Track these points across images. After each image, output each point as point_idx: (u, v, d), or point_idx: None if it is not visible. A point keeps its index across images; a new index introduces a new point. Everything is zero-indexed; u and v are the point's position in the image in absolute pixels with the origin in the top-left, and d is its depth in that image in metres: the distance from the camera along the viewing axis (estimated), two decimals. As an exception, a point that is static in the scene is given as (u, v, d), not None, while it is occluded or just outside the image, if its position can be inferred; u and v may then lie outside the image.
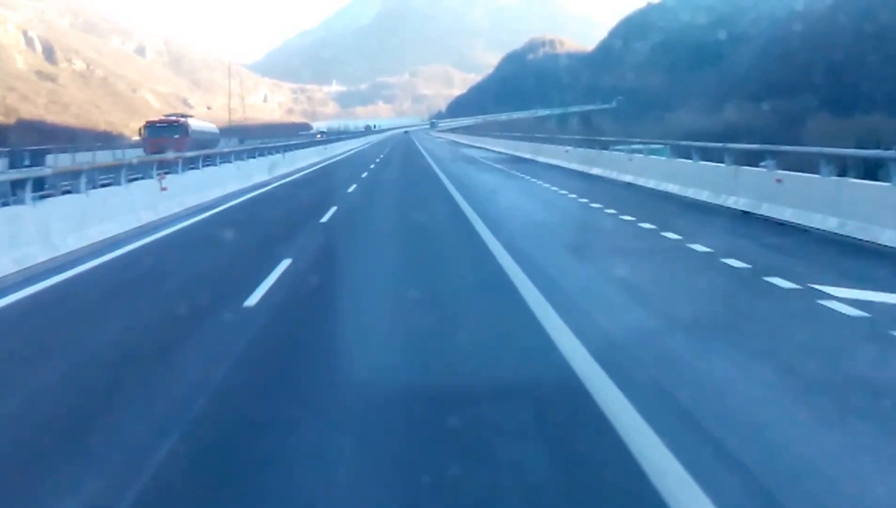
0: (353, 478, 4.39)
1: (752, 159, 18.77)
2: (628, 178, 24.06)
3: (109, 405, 5.76)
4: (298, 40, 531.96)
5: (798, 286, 8.87)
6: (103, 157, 33.82)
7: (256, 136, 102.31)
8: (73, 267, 11.36)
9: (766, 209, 15.11)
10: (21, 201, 12.38)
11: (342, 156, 57.11)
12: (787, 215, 14.34)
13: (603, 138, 30.99)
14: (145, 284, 10.49)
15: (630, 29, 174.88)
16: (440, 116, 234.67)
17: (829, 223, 12.89)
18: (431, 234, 14.70)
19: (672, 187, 20.27)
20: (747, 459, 4.41)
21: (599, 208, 17.60)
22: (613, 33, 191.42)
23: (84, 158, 33.47)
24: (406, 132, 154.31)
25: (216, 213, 18.58)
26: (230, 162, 26.39)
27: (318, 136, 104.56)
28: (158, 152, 27.20)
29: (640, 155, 23.75)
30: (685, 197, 18.96)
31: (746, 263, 10.35)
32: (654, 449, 4.52)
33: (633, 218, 15.39)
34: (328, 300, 9.11)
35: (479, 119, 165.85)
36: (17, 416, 5.62)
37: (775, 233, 13.48)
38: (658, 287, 9.42)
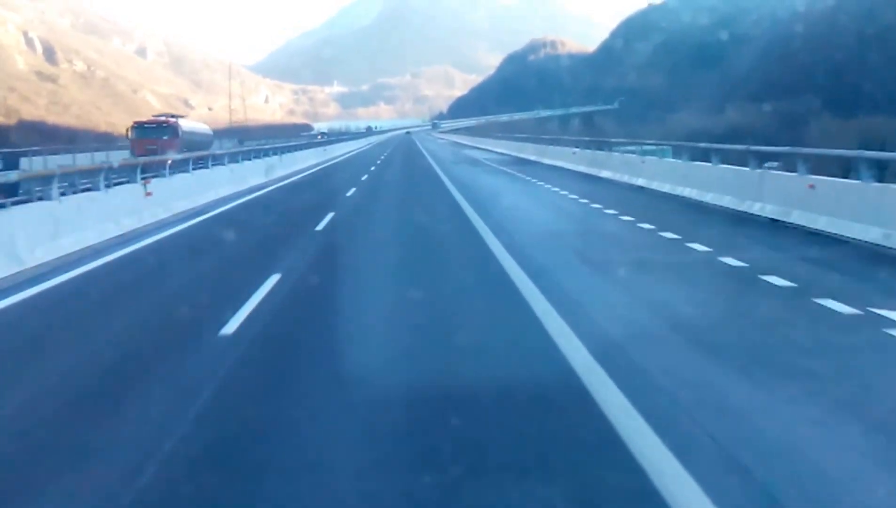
0: None
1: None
2: (640, 181, 22.91)
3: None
4: (300, 41, 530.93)
5: (857, 311, 7.71)
6: (82, 160, 32.49)
7: (257, 137, 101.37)
8: (37, 283, 10.21)
9: (797, 217, 13.95)
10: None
11: (342, 158, 55.94)
12: (820, 223, 13.19)
13: (613, 140, 29.75)
14: (111, 305, 9.31)
15: (631, 29, 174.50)
16: (441, 116, 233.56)
17: (872, 234, 11.72)
18: (434, 244, 13.54)
19: (689, 192, 19.12)
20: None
21: (614, 214, 16.44)
22: (615, 34, 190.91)
23: (65, 161, 32.33)
24: (408, 133, 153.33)
25: (205, 219, 17.43)
26: (223, 165, 25.21)
27: (319, 137, 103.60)
28: (146, 155, 26.01)
29: (654, 158, 22.57)
30: (704, 202, 17.80)
31: (790, 280, 9.20)
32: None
33: (653, 226, 14.24)
34: (319, 326, 7.97)
35: (481, 120, 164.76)
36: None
37: (812, 244, 12.31)
38: (697, 312, 8.23)
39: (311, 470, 4.49)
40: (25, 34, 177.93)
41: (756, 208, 15.49)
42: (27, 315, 8.85)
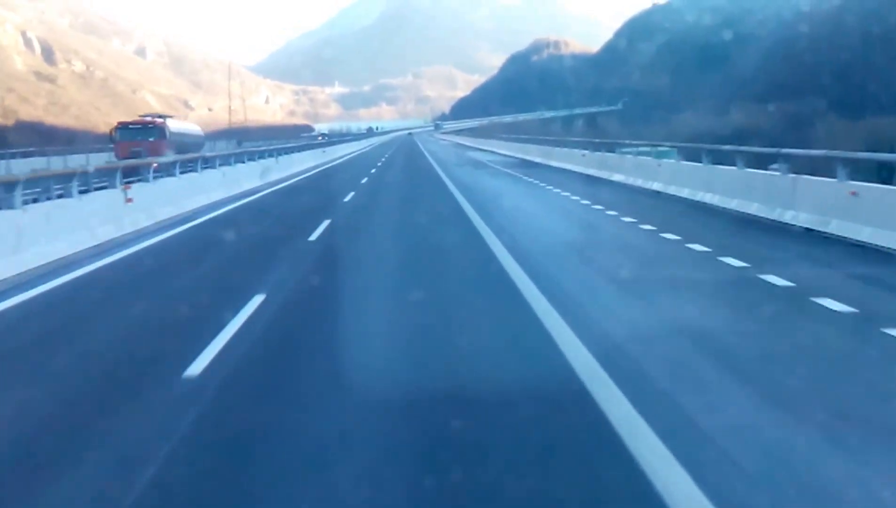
0: None
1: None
2: (656, 186, 21.63)
3: None
4: (300, 41, 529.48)
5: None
6: (78, 161, 31.19)
7: (257, 138, 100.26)
8: (-14, 306, 8.96)
9: (836, 227, 12.68)
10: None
11: (342, 159, 54.57)
12: (864, 235, 11.93)
13: (625, 142, 28.42)
14: (60, 335, 8.00)
15: (635, 30, 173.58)
16: (443, 117, 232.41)
17: (929, 248, 10.47)
18: (438, 256, 12.24)
19: (711, 198, 17.84)
20: None
21: (632, 222, 15.16)
22: (618, 34, 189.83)
23: (56, 164, 31.10)
24: (410, 134, 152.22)
25: (190, 228, 16.16)
26: (214, 168, 23.92)
27: (320, 138, 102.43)
28: (131, 158, 24.67)
29: (671, 161, 21.27)
30: (729, 209, 16.52)
31: (849, 305, 7.94)
32: None
33: (678, 237, 12.97)
34: (304, 363, 6.70)
35: (483, 121, 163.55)
36: None
37: (859, 259, 11.06)
38: (751, 348, 6.94)
39: None
40: (24, 34, 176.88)
41: (788, 217, 14.23)
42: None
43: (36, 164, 32.30)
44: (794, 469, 4.37)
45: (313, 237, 14.02)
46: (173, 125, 37.93)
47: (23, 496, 4.33)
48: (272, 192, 25.38)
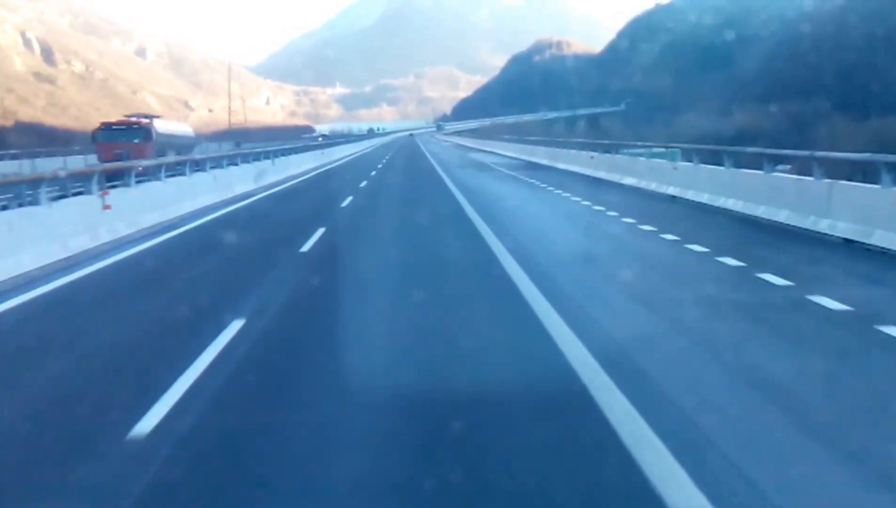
0: None
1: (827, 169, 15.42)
2: (672, 190, 20.41)
3: None
4: (301, 42, 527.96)
5: None
6: (73, 162, 29.94)
7: (257, 139, 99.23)
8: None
9: (881, 239, 11.48)
10: None
11: (341, 161, 53.30)
12: (916, 247, 10.75)
13: (639, 144, 27.18)
14: (9, 369, 6.82)
15: (637, 30, 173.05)
16: (445, 118, 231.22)
17: None
18: (442, 272, 10.99)
19: (734, 204, 16.61)
20: None
21: (653, 231, 13.94)
22: (621, 35, 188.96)
23: (26, 167, 29.88)
24: (411, 135, 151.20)
25: (173, 237, 14.92)
26: (205, 170, 22.67)
27: (320, 139, 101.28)
28: (114, 161, 23.37)
29: (690, 164, 20.03)
30: (754, 217, 15.31)
31: (924, 336, 6.74)
32: None
33: (706, 249, 11.76)
34: (286, 411, 5.50)
35: (485, 122, 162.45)
36: None
37: (916, 276, 9.85)
38: (828, 399, 5.71)
39: None
40: (23, 34, 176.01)
41: (824, 226, 13.02)
42: None
43: (23, 166, 31.10)
44: None
45: (305, 248, 12.80)
46: (161, 126, 36.30)
47: None
48: (266, 196, 24.14)
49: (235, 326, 7.64)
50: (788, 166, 18.75)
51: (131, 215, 15.37)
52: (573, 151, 33.97)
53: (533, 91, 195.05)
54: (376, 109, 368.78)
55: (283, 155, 35.79)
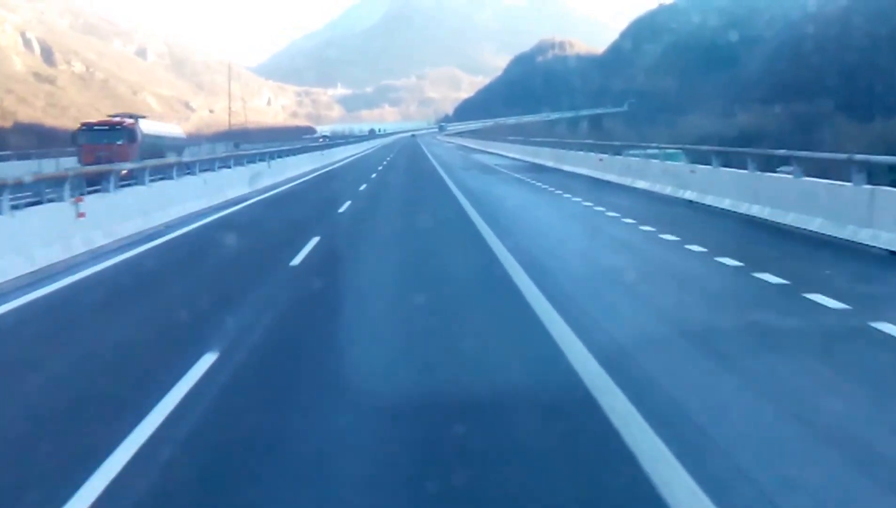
0: None
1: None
2: (689, 194, 19.23)
3: None
4: (303, 42, 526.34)
5: None
6: (21, 168, 28.64)
7: (258, 140, 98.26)
8: None
9: (936, 252, 10.30)
10: None
11: (341, 163, 52.06)
12: (976, 262, 9.56)
13: (653, 145, 25.94)
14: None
15: (640, 31, 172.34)
16: (447, 119, 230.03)
17: None
18: (449, 292, 9.79)
19: (759, 210, 15.43)
20: None
21: (676, 241, 12.76)
22: (624, 35, 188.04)
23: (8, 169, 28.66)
24: (413, 136, 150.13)
25: (153, 247, 13.72)
26: (195, 174, 21.46)
27: (321, 140, 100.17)
28: (96, 163, 22.09)
29: (709, 167, 18.82)
30: (784, 225, 14.13)
31: None
32: None
33: (739, 263, 10.58)
34: (259, 474, 4.33)
35: (488, 123, 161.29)
36: None
37: None
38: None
39: None
40: (23, 35, 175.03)
41: (865, 237, 11.84)
42: None
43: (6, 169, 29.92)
44: None
45: (296, 261, 11.61)
46: (147, 126, 34.42)
47: None
48: (260, 201, 22.92)
49: (205, 362, 6.50)
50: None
51: (110, 224, 14.20)
52: (580, 153, 32.72)
53: (535, 92, 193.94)
54: (378, 109, 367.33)
55: (280, 157, 34.52)
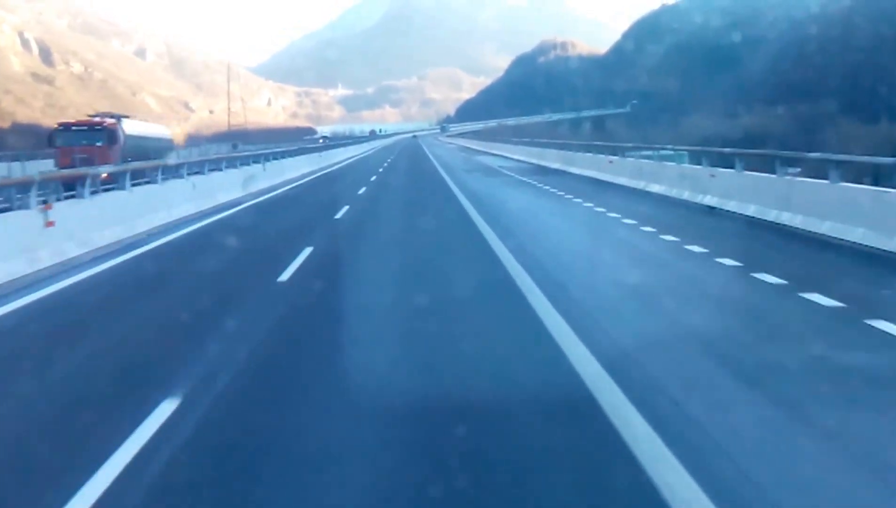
0: None
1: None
2: (709, 200, 18.02)
3: None
4: (303, 42, 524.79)
5: None
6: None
7: (257, 141, 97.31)
8: None
9: None
10: None
11: (341, 165, 50.83)
12: None
13: (667, 147, 24.69)
14: None
15: (643, 31, 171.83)
16: (449, 120, 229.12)
17: None
18: (457, 316, 8.57)
19: (790, 218, 14.22)
20: None
21: (705, 254, 11.56)
22: (626, 36, 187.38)
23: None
24: (414, 137, 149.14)
25: (130, 259, 12.52)
26: (183, 177, 20.24)
27: (321, 141, 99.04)
28: (73, 166, 20.81)
29: (731, 171, 17.61)
30: (819, 235, 12.92)
31: None
32: None
33: (782, 280, 9.40)
34: None
35: (490, 123, 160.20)
36: None
37: None
38: None
39: None
40: (21, 35, 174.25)
41: (917, 249, 10.65)
42: None
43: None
44: None
45: (284, 277, 10.39)
46: (130, 127, 32.64)
47: None
48: (252, 205, 21.69)
49: (164, 411, 5.32)
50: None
51: (84, 233, 13.01)
52: (588, 155, 31.46)
53: (537, 92, 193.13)
54: (379, 110, 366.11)
55: (276, 159, 33.26)
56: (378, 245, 14.22)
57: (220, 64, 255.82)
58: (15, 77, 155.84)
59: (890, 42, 71.06)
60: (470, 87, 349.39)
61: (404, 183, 31.89)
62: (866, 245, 11.66)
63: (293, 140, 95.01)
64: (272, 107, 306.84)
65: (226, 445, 4.95)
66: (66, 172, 16.53)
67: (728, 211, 16.73)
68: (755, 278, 9.70)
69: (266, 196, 24.66)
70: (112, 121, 31.11)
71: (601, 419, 5.10)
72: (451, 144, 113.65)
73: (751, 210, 15.83)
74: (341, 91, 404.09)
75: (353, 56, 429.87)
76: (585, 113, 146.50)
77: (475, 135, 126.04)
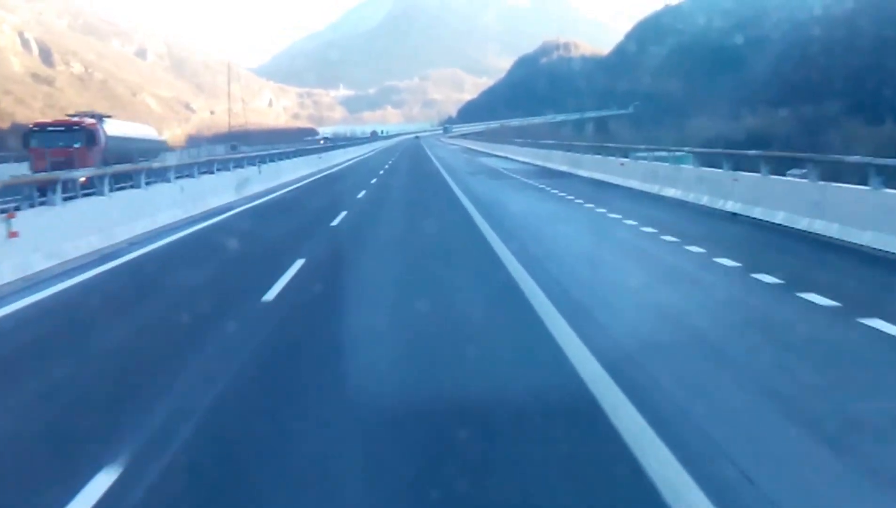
0: None
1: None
2: (731, 206, 16.87)
3: None
4: (304, 43, 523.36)
5: None
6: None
7: (258, 142, 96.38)
8: None
9: None
10: None
11: (341, 166, 49.61)
12: None
13: (684, 149, 23.48)
14: None
15: (646, 32, 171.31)
16: (451, 121, 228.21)
17: None
18: (464, 344, 7.37)
19: (824, 227, 13.08)
20: None
21: (738, 268, 10.41)
22: (629, 37, 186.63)
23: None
24: (416, 138, 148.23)
25: (104, 272, 11.37)
26: (170, 181, 19.06)
27: (322, 142, 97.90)
28: (51, 169, 19.57)
29: (756, 175, 16.43)
30: (859, 246, 11.83)
31: None
32: None
33: (834, 301, 8.26)
34: None
35: (492, 124, 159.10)
36: None
37: None
38: None
39: None
40: (21, 35, 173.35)
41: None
42: None
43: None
44: None
45: (270, 296, 9.20)
46: (112, 127, 30.69)
47: None
48: (245, 210, 20.51)
49: (98, 487, 4.18)
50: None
51: (54, 243, 11.86)
52: (598, 157, 30.22)
53: (539, 93, 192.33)
54: (380, 111, 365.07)
55: (273, 160, 32.03)
56: (376, 257, 13.00)
57: (221, 64, 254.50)
58: (15, 77, 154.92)
59: (894, 44, 70.11)
60: (472, 87, 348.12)
61: (406, 186, 30.72)
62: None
63: (294, 141, 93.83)
64: (273, 108, 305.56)
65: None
66: (38, 176, 15.32)
67: (754, 218, 15.57)
68: (801, 298, 8.55)
69: (260, 200, 23.48)
70: (91, 121, 29.37)
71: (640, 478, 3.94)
72: (453, 145, 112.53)
73: (779, 217, 14.68)
74: (343, 92, 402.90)
75: (355, 57, 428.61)
76: (588, 114, 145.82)
77: (478, 136, 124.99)
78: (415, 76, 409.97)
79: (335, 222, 16.93)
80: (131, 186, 17.19)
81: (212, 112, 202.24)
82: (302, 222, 18.22)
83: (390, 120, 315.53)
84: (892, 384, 6.05)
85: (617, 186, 24.90)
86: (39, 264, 11.21)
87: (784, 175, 16.87)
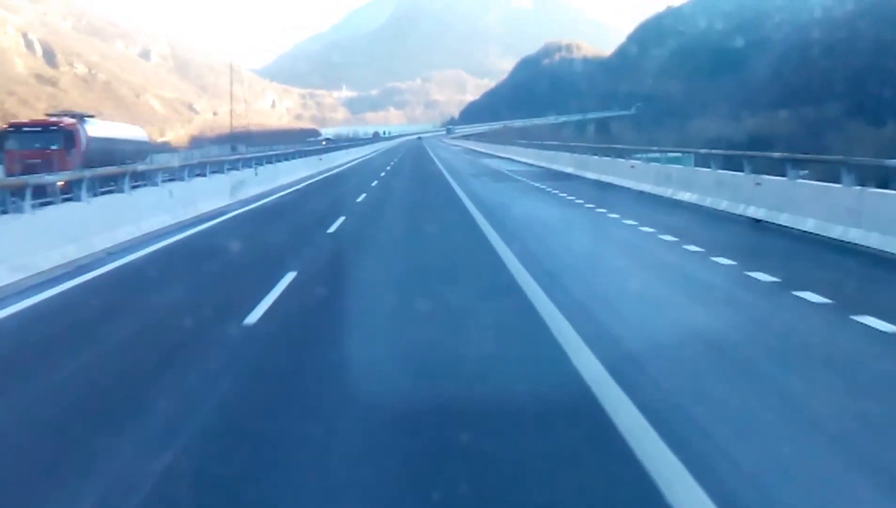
0: None
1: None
2: (754, 211, 15.82)
3: None
4: (308, 44, 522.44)
5: None
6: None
7: (260, 143, 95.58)
8: None
9: None
10: None
11: (341, 168, 48.47)
12: None
13: (702, 151, 22.40)
14: None
15: (647, 34, 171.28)
16: (453, 122, 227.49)
17: None
18: (470, 371, 6.31)
19: (860, 236, 12.05)
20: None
21: (776, 284, 9.37)
22: (631, 38, 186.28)
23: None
24: (419, 138, 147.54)
25: (75, 286, 10.32)
26: (156, 184, 18.01)
27: (323, 142, 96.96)
28: (26, 173, 18.45)
29: (783, 179, 15.35)
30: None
31: None
32: None
33: (891, 325, 7.17)
34: None
35: (495, 125, 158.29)
36: None
37: None
38: None
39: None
40: (25, 36, 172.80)
41: None
42: None
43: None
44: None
45: (254, 317, 8.10)
46: (94, 128, 29.25)
47: None
48: (238, 215, 19.45)
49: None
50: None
51: (21, 255, 10.82)
52: (606, 159, 29.12)
53: (541, 95, 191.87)
54: (383, 112, 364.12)
55: (271, 162, 30.96)
56: (374, 270, 11.90)
57: (224, 66, 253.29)
58: (18, 78, 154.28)
59: (894, 46, 70.51)
60: (474, 89, 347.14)
61: (407, 188, 29.65)
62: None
63: (297, 142, 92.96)
64: (276, 109, 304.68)
65: None
66: (13, 180, 14.23)
67: (780, 225, 14.50)
68: (857, 321, 7.50)
69: (256, 204, 22.39)
70: (71, 121, 27.89)
71: None
72: (455, 146, 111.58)
73: (808, 225, 13.61)
74: (346, 93, 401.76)
75: (358, 58, 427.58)
76: (590, 116, 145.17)
77: (480, 137, 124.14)
78: (417, 77, 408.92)
79: (332, 229, 15.85)
80: (87, 196, 16.11)
81: (215, 113, 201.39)
82: (296, 229, 17.15)
83: (393, 121, 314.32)
84: None
85: (627, 189, 23.84)
86: (4, 278, 10.18)
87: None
